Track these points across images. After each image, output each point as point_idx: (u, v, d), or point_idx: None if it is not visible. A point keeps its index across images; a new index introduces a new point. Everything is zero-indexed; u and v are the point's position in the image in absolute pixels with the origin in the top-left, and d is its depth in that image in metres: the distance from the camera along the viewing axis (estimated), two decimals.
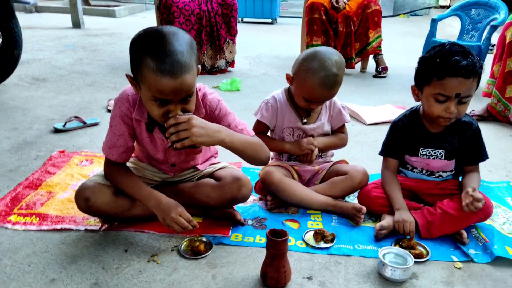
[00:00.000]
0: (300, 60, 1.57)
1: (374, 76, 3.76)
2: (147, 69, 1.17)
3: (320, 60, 1.51)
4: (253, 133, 1.51)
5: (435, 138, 1.52)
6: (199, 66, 1.30)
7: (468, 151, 1.53)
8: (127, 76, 1.29)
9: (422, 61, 1.46)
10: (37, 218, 1.50)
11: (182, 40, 1.20)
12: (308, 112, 1.66)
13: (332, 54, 1.54)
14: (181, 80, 1.18)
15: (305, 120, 1.67)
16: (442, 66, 1.36)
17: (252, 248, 1.39)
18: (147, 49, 1.18)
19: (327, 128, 1.72)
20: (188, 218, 1.35)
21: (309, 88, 1.53)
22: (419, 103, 1.55)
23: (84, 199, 1.39)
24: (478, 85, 1.42)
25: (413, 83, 1.51)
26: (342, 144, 1.77)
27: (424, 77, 1.44)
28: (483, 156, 1.55)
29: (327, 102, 1.70)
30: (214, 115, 1.43)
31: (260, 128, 1.70)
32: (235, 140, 1.35)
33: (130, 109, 1.39)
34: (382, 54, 3.79)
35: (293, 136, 1.69)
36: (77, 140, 2.24)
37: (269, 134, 1.76)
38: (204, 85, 1.46)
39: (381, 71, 3.72)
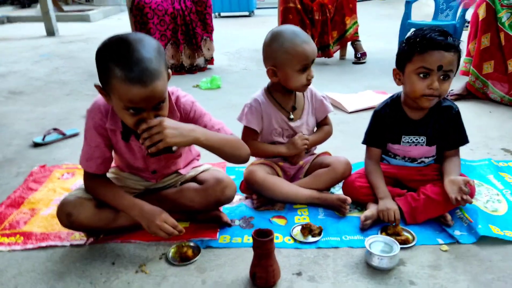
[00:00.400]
0: (270, 47, 1.53)
1: (354, 63, 3.77)
2: (115, 79, 1.15)
3: (283, 32, 1.52)
4: (231, 131, 1.49)
5: (417, 124, 1.53)
6: (169, 71, 1.28)
7: (450, 136, 1.55)
8: (96, 86, 1.26)
9: (402, 42, 1.47)
10: (22, 238, 1.48)
11: (149, 46, 1.18)
12: (294, 107, 1.64)
13: (281, 26, 1.57)
14: (151, 88, 1.16)
15: (291, 116, 1.64)
16: (423, 41, 1.38)
17: (241, 249, 1.39)
18: (114, 58, 1.15)
19: (312, 121, 1.71)
20: (173, 223, 1.34)
21: (297, 54, 1.49)
22: (400, 91, 1.56)
23: (65, 214, 1.38)
24: (458, 64, 1.43)
25: (393, 66, 1.51)
26: (328, 136, 1.77)
27: (405, 55, 1.44)
28: (464, 140, 1.56)
29: (308, 95, 1.68)
30: (189, 117, 1.42)
31: (249, 134, 1.65)
32: (211, 138, 1.34)
33: (103, 119, 1.36)
34: (360, 40, 3.80)
35: (283, 136, 1.66)
36: (57, 152, 2.21)
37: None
38: (177, 88, 1.44)
39: (360, 57, 3.73)
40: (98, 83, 1.24)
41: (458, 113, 1.53)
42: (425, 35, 1.39)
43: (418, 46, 1.39)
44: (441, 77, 1.40)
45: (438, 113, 1.52)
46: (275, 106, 1.64)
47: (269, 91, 1.66)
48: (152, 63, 1.15)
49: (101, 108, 1.36)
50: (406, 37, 1.49)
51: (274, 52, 1.51)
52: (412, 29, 1.50)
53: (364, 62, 3.76)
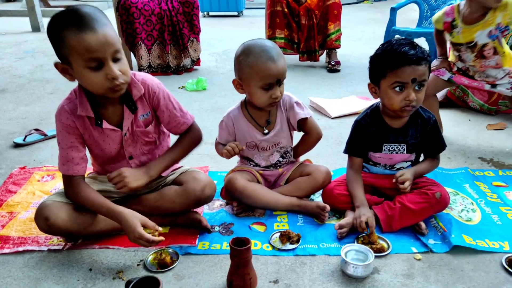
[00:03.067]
0: (237, 60, 1.53)
1: (329, 71, 3.69)
2: (68, 37, 1.20)
3: (252, 46, 1.50)
4: (192, 119, 1.56)
5: (398, 133, 1.56)
6: (119, 38, 1.36)
7: (429, 144, 1.60)
8: (56, 64, 1.30)
9: (373, 59, 1.51)
10: None
11: (89, 7, 1.25)
12: (268, 121, 1.63)
13: (256, 39, 1.55)
14: (103, 33, 1.22)
15: (266, 131, 1.63)
16: (393, 57, 1.42)
17: (219, 256, 1.41)
18: (63, 23, 1.22)
19: (286, 130, 1.66)
20: (153, 226, 1.35)
21: (259, 71, 1.46)
22: (379, 100, 1.59)
23: (43, 218, 1.37)
24: (429, 72, 1.48)
25: None
26: (316, 142, 1.72)
27: (378, 72, 1.49)
28: (442, 146, 1.61)
29: (282, 105, 1.63)
30: (153, 100, 1.47)
31: (219, 145, 1.69)
32: (165, 166, 1.51)
33: (71, 118, 1.38)
34: (336, 50, 3.76)
35: (258, 149, 1.66)
36: (38, 154, 2.19)
37: None
38: (140, 73, 1.49)
39: (334, 65, 3.65)
40: (58, 61, 1.29)
41: (435, 123, 1.57)
42: (395, 50, 1.42)
43: (390, 63, 1.43)
44: (416, 87, 1.44)
45: (416, 122, 1.56)
46: (249, 122, 1.63)
47: (245, 104, 1.65)
48: (96, 15, 1.23)
49: (65, 107, 1.39)
50: (375, 52, 1.51)
51: (240, 65, 1.52)
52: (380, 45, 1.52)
53: (339, 70, 3.69)
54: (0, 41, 5.21)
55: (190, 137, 1.56)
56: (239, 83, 1.55)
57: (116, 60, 1.27)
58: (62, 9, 1.25)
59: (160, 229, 1.36)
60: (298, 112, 1.61)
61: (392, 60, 1.42)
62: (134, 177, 1.41)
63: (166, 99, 1.49)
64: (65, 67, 1.28)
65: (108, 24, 1.26)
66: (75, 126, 1.39)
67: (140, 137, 1.49)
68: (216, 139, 1.72)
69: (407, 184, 1.49)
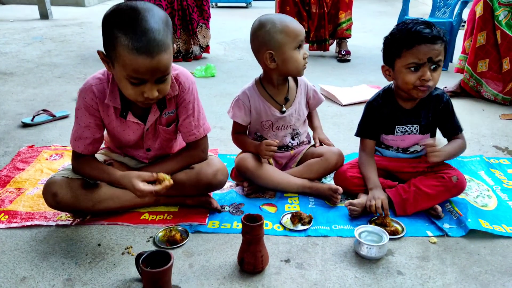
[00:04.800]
0: (262, 31, 1.49)
1: (339, 60, 3.65)
2: (122, 47, 1.13)
3: (270, 16, 1.52)
4: (208, 131, 1.49)
5: (410, 114, 1.52)
6: (174, 45, 1.27)
7: (442, 124, 1.55)
8: (99, 52, 1.23)
9: (387, 39, 1.47)
10: (6, 216, 1.45)
11: (157, 17, 1.16)
12: (286, 98, 1.61)
13: (264, 14, 1.56)
14: (157, 60, 1.15)
15: (284, 109, 1.60)
16: (409, 36, 1.39)
17: (230, 235, 1.38)
18: (122, 26, 1.13)
19: (304, 111, 1.68)
20: (150, 176, 1.30)
21: (292, 31, 1.47)
22: (391, 82, 1.55)
23: (51, 194, 1.35)
24: (446, 53, 1.44)
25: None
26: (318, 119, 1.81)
27: (393, 51, 1.44)
28: (457, 128, 1.55)
29: (302, 85, 1.66)
30: (180, 98, 1.41)
31: (238, 127, 1.65)
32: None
33: (95, 100, 1.34)
34: (347, 40, 3.72)
35: (272, 128, 1.63)
36: (46, 134, 2.17)
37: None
38: (179, 66, 1.42)
39: (344, 54, 3.61)
40: (102, 50, 1.22)
41: (449, 101, 1.53)
42: (410, 29, 1.38)
43: (405, 42, 1.39)
44: (432, 67, 1.40)
45: (429, 102, 1.52)
46: (266, 99, 1.60)
47: (261, 83, 1.62)
48: (159, 34, 1.14)
49: (93, 88, 1.33)
50: (390, 32, 1.47)
51: (269, 35, 1.48)
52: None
53: (349, 60, 3.65)
54: (8, 27, 5.20)
55: (191, 156, 1.48)
56: (271, 54, 1.50)
57: (159, 80, 1.21)
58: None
59: (161, 174, 1.31)
60: (321, 96, 1.72)
61: (408, 38, 1.38)
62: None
63: (190, 103, 1.42)
64: (107, 60, 1.22)
65: (167, 44, 1.16)
66: (97, 109, 1.35)
67: (161, 134, 1.46)
68: (233, 129, 1.66)
69: (437, 153, 1.42)
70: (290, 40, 1.48)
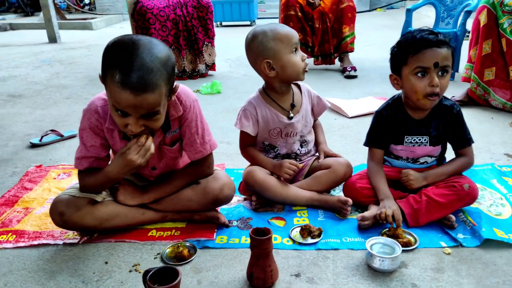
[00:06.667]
0: (256, 42, 1.50)
1: (346, 77, 3.57)
2: (111, 79, 1.13)
3: (260, 27, 1.53)
4: (215, 147, 1.48)
5: (419, 124, 1.50)
6: (176, 84, 1.27)
7: (453, 135, 1.52)
8: (100, 76, 1.24)
9: (394, 48, 1.48)
10: (14, 236, 1.45)
11: (154, 56, 1.14)
12: (293, 104, 1.61)
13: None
14: (141, 98, 1.13)
15: (291, 115, 1.60)
16: (414, 42, 1.39)
17: (238, 250, 1.36)
18: (116, 58, 1.13)
19: (311, 118, 1.67)
20: (134, 141, 1.26)
21: (284, 36, 1.49)
22: (400, 92, 1.54)
23: (58, 213, 1.35)
24: (453, 60, 1.43)
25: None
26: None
27: (399, 59, 1.44)
28: (468, 140, 1.53)
29: (305, 92, 1.67)
30: (183, 115, 1.39)
31: (247, 139, 1.63)
32: (162, 195, 1.47)
33: (100, 120, 1.34)
34: (348, 54, 3.71)
35: (281, 135, 1.62)
36: (54, 154, 2.18)
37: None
38: (184, 86, 1.42)
39: (350, 70, 3.56)
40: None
41: (459, 112, 1.50)
42: (415, 36, 1.39)
43: (411, 48, 1.39)
44: (439, 73, 1.38)
45: (439, 113, 1.50)
46: (273, 107, 1.60)
47: (265, 91, 1.62)
48: (150, 74, 1.12)
49: (98, 109, 1.34)
50: (397, 41, 1.48)
51: (263, 44, 1.49)
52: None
53: (356, 76, 3.57)
54: (18, 51, 5.32)
55: (197, 172, 1.48)
56: (268, 63, 1.50)
57: (146, 117, 1.19)
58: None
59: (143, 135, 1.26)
60: (325, 102, 1.71)
61: (413, 44, 1.38)
62: (129, 195, 1.43)
63: (193, 121, 1.40)
64: (103, 83, 1.23)
65: (157, 85, 1.14)
66: (102, 129, 1.35)
67: (166, 153, 1.46)
68: (241, 142, 1.65)
69: (411, 182, 1.48)
70: (284, 45, 1.49)
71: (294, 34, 1.52)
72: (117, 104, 1.16)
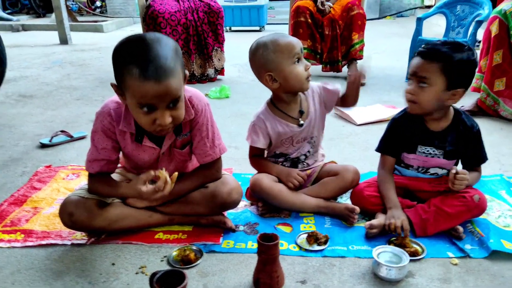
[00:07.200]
0: (257, 55, 1.50)
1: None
2: (130, 76, 1.15)
3: (262, 38, 1.52)
4: (224, 151, 1.50)
5: (435, 136, 1.49)
6: (187, 72, 1.28)
7: (468, 154, 1.52)
8: (112, 85, 1.26)
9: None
10: (22, 235, 1.46)
11: (165, 45, 1.18)
12: (301, 111, 1.60)
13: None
14: (165, 85, 1.15)
15: (302, 122, 1.59)
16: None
17: (245, 255, 1.36)
18: (130, 57, 1.16)
19: (320, 118, 1.63)
20: (153, 175, 1.29)
21: (284, 47, 1.47)
22: None
23: (67, 214, 1.36)
24: (448, 79, 1.37)
25: (402, 81, 1.52)
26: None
27: None
28: (483, 158, 1.53)
29: (309, 94, 1.62)
30: (193, 120, 1.41)
31: (256, 151, 1.64)
32: (171, 197, 1.41)
33: (113, 123, 1.35)
34: (357, 61, 3.70)
35: (293, 143, 1.62)
36: (64, 154, 2.20)
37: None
38: (196, 90, 1.44)
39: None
40: (114, 82, 1.25)
41: (478, 132, 1.50)
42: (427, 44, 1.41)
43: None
44: (419, 84, 1.42)
45: (458, 128, 1.48)
46: (282, 118, 1.59)
47: (273, 103, 1.62)
48: (167, 61, 1.15)
49: (111, 111, 1.35)
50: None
51: (264, 57, 1.49)
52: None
53: (364, 84, 3.53)
54: (29, 52, 5.38)
55: (205, 176, 1.49)
56: (271, 76, 1.51)
57: (172, 106, 1.22)
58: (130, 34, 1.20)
59: (164, 173, 1.29)
60: (335, 88, 1.63)
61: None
62: (138, 198, 1.41)
63: (204, 124, 1.42)
64: (119, 92, 1.25)
65: (176, 70, 1.17)
66: (114, 132, 1.37)
67: (176, 156, 1.47)
68: (250, 152, 1.66)
69: (464, 182, 1.40)
70: (285, 57, 1.48)
71: (296, 44, 1.49)
72: (143, 99, 1.17)
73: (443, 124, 1.48)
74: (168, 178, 1.28)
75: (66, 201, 1.39)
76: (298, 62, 1.50)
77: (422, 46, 1.42)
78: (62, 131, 2.38)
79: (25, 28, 7.79)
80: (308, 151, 1.66)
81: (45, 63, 4.71)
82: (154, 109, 1.19)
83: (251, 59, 1.55)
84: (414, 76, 1.40)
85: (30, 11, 9.29)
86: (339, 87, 1.64)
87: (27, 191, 1.78)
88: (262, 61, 1.50)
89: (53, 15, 6.30)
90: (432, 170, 1.54)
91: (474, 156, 1.52)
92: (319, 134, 1.67)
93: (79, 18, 8.34)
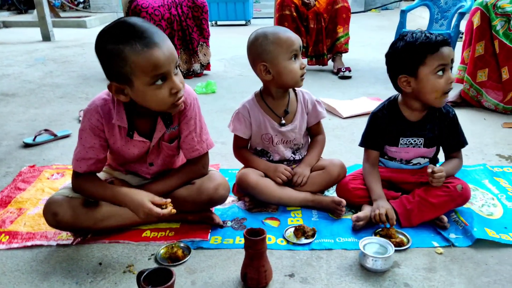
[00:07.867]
0: (256, 44, 1.50)
1: (340, 77, 3.56)
2: (135, 53, 1.15)
3: (263, 29, 1.53)
4: (211, 146, 1.50)
5: (415, 126, 1.51)
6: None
7: (448, 139, 1.54)
8: (110, 86, 1.23)
9: (404, 50, 1.42)
10: (7, 237, 1.44)
11: (143, 21, 1.22)
12: (286, 111, 1.61)
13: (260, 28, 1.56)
14: (167, 48, 1.20)
15: (283, 121, 1.60)
16: (431, 41, 1.39)
17: (232, 250, 1.36)
18: (125, 37, 1.16)
19: (303, 127, 1.64)
20: (161, 200, 1.31)
21: (284, 42, 1.47)
22: (397, 93, 1.54)
23: (52, 213, 1.34)
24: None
25: (387, 74, 1.52)
26: (322, 149, 1.69)
27: (415, 60, 1.41)
28: (463, 143, 1.55)
29: (301, 98, 1.64)
30: (183, 112, 1.40)
31: (240, 141, 1.64)
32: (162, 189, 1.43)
33: (101, 120, 1.34)
34: (341, 55, 3.72)
35: (272, 142, 1.62)
36: (48, 153, 2.17)
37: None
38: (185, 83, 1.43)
39: (345, 71, 3.55)
40: (108, 83, 1.23)
41: (455, 117, 1.53)
42: (425, 36, 1.40)
43: (429, 47, 1.38)
44: (450, 70, 1.43)
45: (435, 116, 1.51)
46: (266, 112, 1.60)
47: (261, 95, 1.62)
48: (155, 28, 1.20)
49: (99, 109, 1.34)
50: (404, 43, 1.42)
51: (261, 47, 1.49)
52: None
53: (350, 77, 3.56)
54: (11, 49, 5.27)
55: (192, 172, 1.48)
56: (265, 66, 1.50)
57: (175, 72, 1.24)
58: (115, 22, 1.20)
59: (169, 200, 1.32)
60: (321, 111, 1.65)
61: (431, 43, 1.38)
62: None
63: (192, 119, 1.42)
64: (121, 87, 1.22)
65: (165, 35, 1.22)
66: (102, 129, 1.35)
67: (164, 150, 1.46)
68: (234, 143, 1.66)
69: (442, 180, 1.43)
70: (283, 51, 1.47)
71: (296, 41, 1.50)
72: (156, 69, 1.17)
73: (421, 114, 1.51)
74: (171, 209, 1.30)
75: (50, 200, 1.38)
76: (294, 59, 1.50)
77: (426, 35, 1.40)
78: (45, 130, 2.34)
79: (6, 24, 7.63)
80: (292, 156, 1.66)
81: (28, 61, 4.62)
82: (165, 79, 1.21)
83: (249, 47, 1.54)
84: (452, 63, 1.42)
85: (11, 7, 9.09)
86: (325, 115, 1.67)
87: (11, 191, 1.75)
88: (260, 50, 1.50)
89: (35, 11, 6.18)
90: (414, 161, 1.57)
91: (454, 140, 1.55)
92: (301, 141, 1.66)
93: (62, 14, 8.19)
